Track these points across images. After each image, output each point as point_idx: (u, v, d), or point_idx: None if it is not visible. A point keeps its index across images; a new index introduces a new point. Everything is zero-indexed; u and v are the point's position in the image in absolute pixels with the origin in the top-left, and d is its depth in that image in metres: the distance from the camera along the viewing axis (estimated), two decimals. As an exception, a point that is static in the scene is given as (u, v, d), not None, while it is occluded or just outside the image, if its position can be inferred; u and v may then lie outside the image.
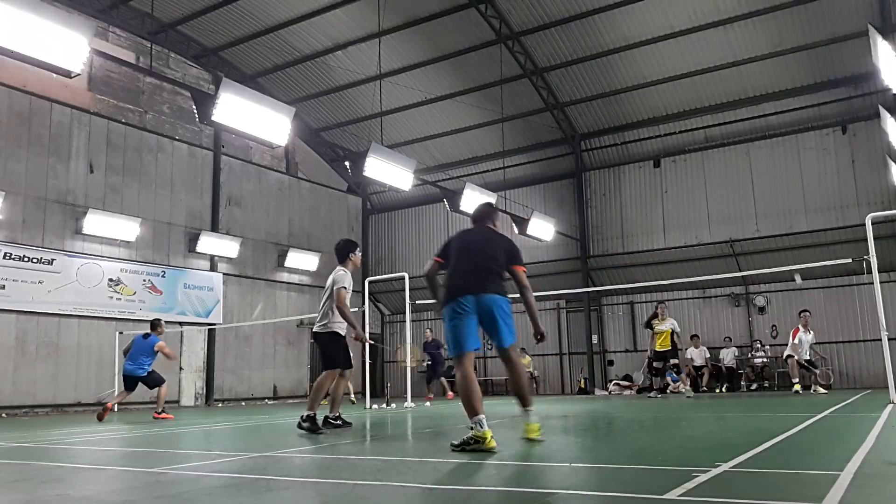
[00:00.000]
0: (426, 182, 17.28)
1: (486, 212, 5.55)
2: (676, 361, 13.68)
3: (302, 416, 6.78)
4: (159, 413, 10.78)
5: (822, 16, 15.02)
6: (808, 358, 13.96)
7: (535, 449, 4.55)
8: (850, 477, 2.95)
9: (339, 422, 7.18)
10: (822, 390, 13.56)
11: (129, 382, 10.73)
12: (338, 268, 7.21)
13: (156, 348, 10.72)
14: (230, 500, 2.94)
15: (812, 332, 14.21)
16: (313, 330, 7.35)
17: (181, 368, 17.33)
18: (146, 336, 10.89)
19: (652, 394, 13.91)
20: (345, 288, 6.98)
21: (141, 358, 10.69)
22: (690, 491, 2.73)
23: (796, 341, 13.63)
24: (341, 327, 7.11)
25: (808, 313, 14.30)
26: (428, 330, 18.21)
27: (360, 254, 7.36)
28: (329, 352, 7.16)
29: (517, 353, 5.07)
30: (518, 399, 5.05)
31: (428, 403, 14.00)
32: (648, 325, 13.94)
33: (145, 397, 16.35)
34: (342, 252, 7.28)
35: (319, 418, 6.85)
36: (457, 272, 5.04)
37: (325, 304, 7.11)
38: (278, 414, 11.60)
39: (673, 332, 13.52)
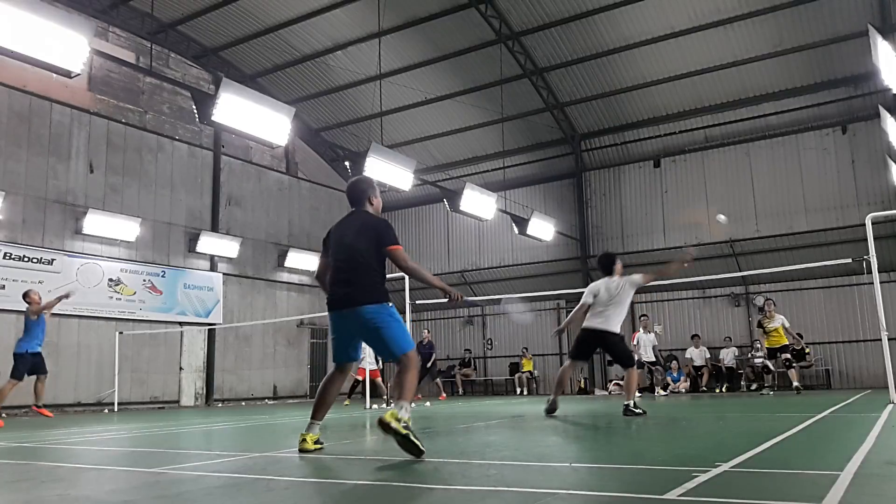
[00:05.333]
0: (426, 182, 17.28)
1: (357, 191, 4.84)
2: (788, 356, 13.33)
3: (626, 405, 7.52)
4: (39, 407, 10.18)
5: (822, 16, 15.02)
6: (652, 359, 14.57)
7: (535, 449, 4.55)
8: (850, 477, 2.95)
9: (638, 410, 7.53)
10: (662, 393, 14.33)
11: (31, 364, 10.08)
12: (618, 279, 7.91)
13: (31, 311, 9.92)
14: (230, 500, 2.94)
15: (653, 333, 15.17)
16: (593, 328, 7.86)
17: (181, 368, 17.34)
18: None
19: (764, 391, 13.64)
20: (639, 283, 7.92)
21: (24, 333, 10.07)
22: (690, 491, 2.73)
23: (635, 342, 14.43)
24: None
25: (646, 317, 15.71)
26: (426, 331, 18.21)
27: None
28: (622, 348, 8.05)
29: (408, 360, 4.47)
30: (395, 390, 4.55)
31: (414, 405, 13.98)
32: (760, 325, 13.83)
33: (145, 397, 16.39)
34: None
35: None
36: (330, 278, 4.65)
37: (612, 308, 7.80)
38: (278, 414, 11.60)
39: (784, 328, 13.36)
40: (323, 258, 4.83)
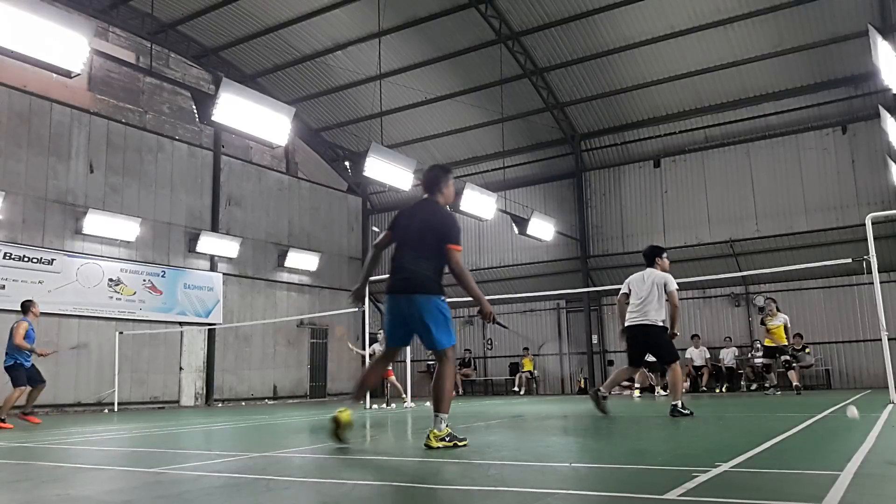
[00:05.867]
0: (426, 182, 17.25)
1: (432, 179, 4.96)
2: (787, 358, 13.20)
3: (674, 406, 7.19)
4: (27, 413, 9.75)
5: (822, 16, 15.02)
6: (653, 359, 14.84)
7: (535, 449, 4.55)
8: (850, 477, 2.95)
9: (686, 410, 7.19)
10: (662, 393, 14.31)
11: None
12: (658, 272, 7.66)
13: (22, 329, 9.57)
14: (230, 500, 2.94)
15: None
16: (637, 323, 7.57)
17: (181, 368, 17.34)
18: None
19: (769, 391, 13.38)
20: (677, 289, 7.60)
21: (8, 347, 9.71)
22: (690, 491, 2.73)
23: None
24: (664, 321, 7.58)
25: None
26: None
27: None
28: (664, 344, 7.60)
29: (445, 356, 4.68)
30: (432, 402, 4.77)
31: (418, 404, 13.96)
32: (763, 322, 13.67)
33: (145, 397, 16.39)
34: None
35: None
36: (393, 262, 4.81)
37: (651, 302, 7.52)
38: (278, 414, 11.60)
39: (785, 327, 13.25)
40: (388, 232, 4.93)
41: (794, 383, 13.29)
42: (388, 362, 5.18)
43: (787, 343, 13.33)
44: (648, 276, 7.65)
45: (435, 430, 4.55)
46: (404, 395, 13.26)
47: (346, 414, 4.73)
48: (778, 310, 13.47)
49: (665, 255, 7.88)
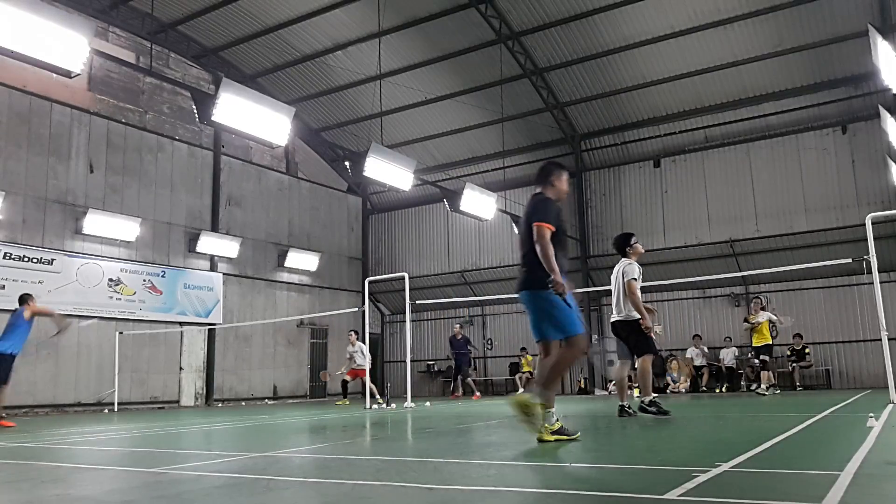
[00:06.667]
0: (426, 182, 17.29)
1: (542, 172, 5.12)
2: (766, 358, 13.01)
3: (642, 402, 7.08)
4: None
5: (822, 16, 15.02)
6: None
7: (535, 449, 4.55)
8: (850, 477, 2.95)
9: (653, 409, 7.04)
10: None
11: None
12: (623, 261, 7.43)
13: (27, 312, 9.56)
14: (230, 500, 2.94)
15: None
16: (613, 320, 7.45)
17: (181, 368, 17.34)
18: (14, 311, 9.88)
19: (760, 389, 13.08)
20: (634, 279, 7.26)
21: (8, 333, 9.57)
22: (690, 491, 2.73)
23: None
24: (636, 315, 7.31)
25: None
26: (457, 325, 18.11)
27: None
28: (633, 338, 7.35)
29: (571, 347, 4.75)
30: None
31: (424, 403, 13.95)
32: (745, 320, 13.58)
33: (145, 397, 16.39)
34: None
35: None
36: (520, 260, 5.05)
37: (619, 295, 7.35)
38: (278, 414, 11.60)
39: (770, 323, 13.15)
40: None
41: (763, 384, 12.99)
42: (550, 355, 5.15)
43: (771, 342, 13.22)
44: (618, 267, 7.50)
45: (547, 424, 4.63)
46: (378, 397, 13.29)
47: (524, 396, 4.66)
48: (762, 308, 13.42)
49: (634, 240, 7.59)
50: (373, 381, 14.09)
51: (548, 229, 4.71)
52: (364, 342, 14.65)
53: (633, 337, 7.32)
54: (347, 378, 15.51)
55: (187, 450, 5.74)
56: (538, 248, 4.64)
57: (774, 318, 13.60)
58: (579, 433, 4.84)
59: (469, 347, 17.23)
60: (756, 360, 13.34)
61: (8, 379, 9.60)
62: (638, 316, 7.25)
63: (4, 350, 9.55)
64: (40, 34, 7.87)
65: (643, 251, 7.62)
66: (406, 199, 22.20)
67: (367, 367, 14.46)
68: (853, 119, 16.46)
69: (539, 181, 5.09)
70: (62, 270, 15.00)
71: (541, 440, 4.60)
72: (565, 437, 4.62)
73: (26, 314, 9.75)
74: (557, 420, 4.67)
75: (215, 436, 7.21)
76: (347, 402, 15.29)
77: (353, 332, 15.71)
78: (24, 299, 9.98)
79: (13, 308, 10.21)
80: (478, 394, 16.87)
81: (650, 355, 7.26)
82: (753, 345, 13.36)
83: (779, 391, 13.23)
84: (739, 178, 17.76)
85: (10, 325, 9.78)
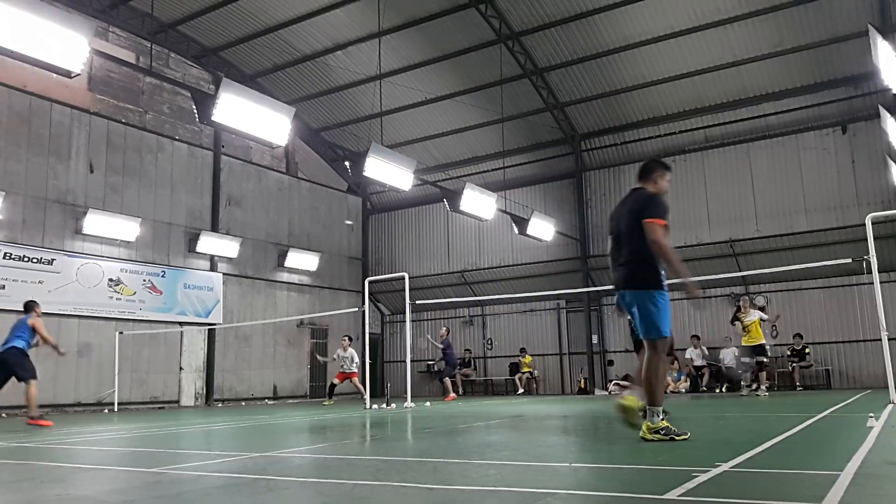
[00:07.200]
0: (426, 182, 17.28)
1: (646, 168, 5.03)
2: (763, 359, 12.92)
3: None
4: (35, 418, 9.33)
5: (822, 16, 15.02)
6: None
7: (535, 449, 4.55)
8: (850, 477, 2.95)
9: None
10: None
11: (2, 369, 9.48)
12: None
13: (30, 323, 9.51)
14: (230, 500, 2.94)
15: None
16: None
17: (181, 368, 17.34)
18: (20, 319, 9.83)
19: (760, 391, 12.96)
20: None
21: (14, 333, 9.53)
22: (690, 491, 2.73)
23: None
24: None
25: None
26: (444, 328, 18.08)
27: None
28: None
29: (655, 350, 4.72)
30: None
31: (426, 403, 13.95)
32: (737, 319, 13.37)
33: (145, 397, 16.38)
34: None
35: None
36: (611, 255, 5.07)
37: None
38: (278, 414, 11.60)
39: (761, 321, 13.03)
40: (610, 234, 5.14)
41: (754, 386, 12.93)
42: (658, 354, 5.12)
43: (763, 341, 13.16)
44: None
45: (648, 423, 4.61)
46: (364, 398, 13.31)
47: (631, 399, 4.70)
48: (752, 306, 13.36)
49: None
50: (373, 381, 14.11)
51: (662, 226, 4.65)
52: (364, 342, 14.65)
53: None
54: (335, 381, 15.61)
55: (187, 450, 5.74)
56: (656, 247, 4.59)
57: (766, 316, 13.60)
58: (689, 433, 4.70)
59: (451, 350, 17.15)
60: (753, 362, 13.28)
61: (27, 376, 9.52)
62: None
63: (16, 345, 9.50)
64: (40, 34, 7.87)
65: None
66: (406, 199, 22.20)
67: (357, 370, 14.74)
68: (853, 119, 16.46)
69: (642, 177, 5.03)
70: (62, 270, 15.00)
71: (643, 439, 4.61)
72: (669, 438, 4.54)
73: (30, 321, 9.69)
74: (662, 419, 4.65)
75: (215, 436, 7.21)
76: (332, 402, 15.37)
77: (346, 338, 15.99)
78: (30, 306, 9.93)
79: (13, 308, 10.20)
80: (452, 395, 16.78)
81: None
82: (743, 343, 13.27)
83: (767, 393, 13.08)
84: (739, 178, 17.75)
85: (14, 328, 9.76)
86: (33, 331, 9.70)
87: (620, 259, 4.90)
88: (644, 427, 4.60)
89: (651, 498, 2.63)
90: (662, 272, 4.76)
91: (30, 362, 9.65)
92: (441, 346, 16.97)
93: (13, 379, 9.71)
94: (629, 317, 5.04)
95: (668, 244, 4.63)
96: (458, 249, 21.88)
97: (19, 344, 9.55)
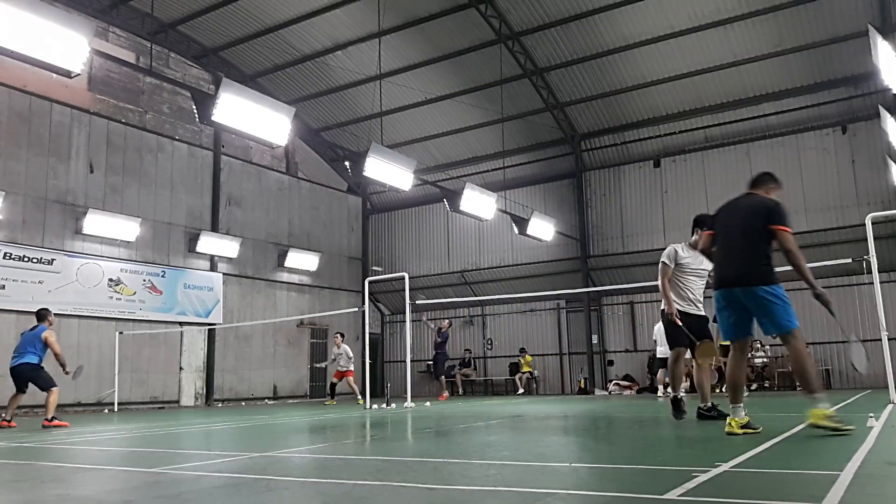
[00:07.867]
0: (426, 182, 17.28)
1: (762, 176, 5.22)
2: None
3: (701, 408, 6.63)
4: (50, 420, 9.42)
5: (822, 16, 15.02)
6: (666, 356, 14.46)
7: (535, 449, 4.55)
8: (850, 477, 2.95)
9: (713, 413, 6.46)
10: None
11: (18, 380, 9.69)
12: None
13: (43, 336, 9.65)
14: (230, 500, 2.94)
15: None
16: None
17: (181, 368, 17.34)
18: (33, 329, 9.87)
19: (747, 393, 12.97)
20: (665, 263, 6.60)
21: (27, 348, 9.65)
22: (690, 491, 2.73)
23: (655, 337, 13.79)
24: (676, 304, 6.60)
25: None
26: (447, 321, 18.03)
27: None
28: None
29: (794, 340, 4.79)
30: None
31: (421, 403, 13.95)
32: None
33: (145, 397, 16.38)
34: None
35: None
36: (717, 257, 5.11)
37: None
38: (278, 414, 11.60)
39: None
40: (708, 233, 5.27)
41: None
42: (746, 356, 5.29)
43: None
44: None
45: (735, 419, 4.83)
46: (359, 398, 13.31)
47: (815, 413, 4.66)
48: None
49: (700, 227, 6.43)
50: (373, 381, 14.13)
51: (791, 235, 4.88)
52: (364, 342, 14.65)
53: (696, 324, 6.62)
54: (334, 380, 15.74)
55: (187, 450, 5.74)
56: (792, 256, 4.81)
57: None
58: (761, 428, 4.96)
59: (445, 348, 17.13)
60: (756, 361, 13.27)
61: (48, 386, 9.68)
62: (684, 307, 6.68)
63: (29, 360, 9.62)
64: (40, 34, 7.86)
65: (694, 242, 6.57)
66: (406, 199, 22.20)
67: (352, 368, 15.09)
68: (853, 119, 16.46)
69: (756, 185, 5.19)
70: (62, 270, 15.00)
71: (730, 433, 4.79)
72: (752, 431, 4.81)
73: (44, 335, 9.71)
74: (746, 414, 4.90)
75: (215, 436, 7.21)
76: (334, 402, 15.42)
77: (339, 335, 16.22)
78: (43, 315, 9.95)
79: (13, 308, 10.20)
80: (445, 394, 16.86)
81: (679, 347, 6.73)
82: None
83: (748, 394, 12.98)
84: (739, 178, 17.48)
85: (26, 342, 9.79)
86: (45, 345, 9.76)
87: (734, 258, 4.97)
88: (817, 414, 4.61)
89: (651, 498, 2.63)
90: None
91: (46, 373, 9.78)
92: (438, 338, 16.91)
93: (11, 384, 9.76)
94: (727, 315, 5.04)
95: (798, 252, 4.87)
96: (458, 249, 21.88)
97: (32, 360, 9.67)
